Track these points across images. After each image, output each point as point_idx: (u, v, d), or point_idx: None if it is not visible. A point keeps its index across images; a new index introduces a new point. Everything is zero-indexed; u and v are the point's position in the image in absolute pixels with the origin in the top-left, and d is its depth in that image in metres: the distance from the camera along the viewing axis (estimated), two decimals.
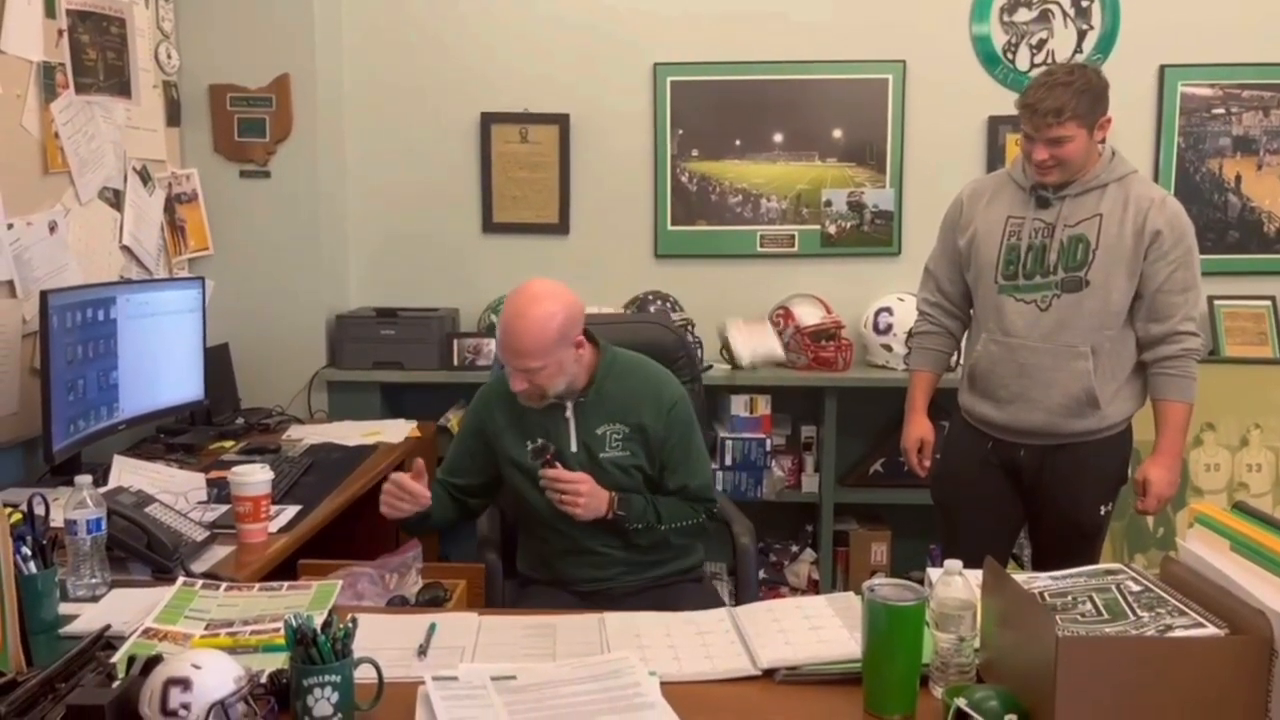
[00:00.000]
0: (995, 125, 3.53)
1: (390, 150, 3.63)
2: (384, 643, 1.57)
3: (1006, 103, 3.50)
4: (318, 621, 1.37)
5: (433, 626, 1.66)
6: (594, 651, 1.58)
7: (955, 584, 1.44)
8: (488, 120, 3.59)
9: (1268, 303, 3.51)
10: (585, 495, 2.09)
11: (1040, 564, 2.56)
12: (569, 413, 2.18)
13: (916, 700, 1.40)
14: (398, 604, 1.97)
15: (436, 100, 3.61)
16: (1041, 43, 3.52)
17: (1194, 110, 3.49)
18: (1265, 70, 3.46)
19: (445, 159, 3.63)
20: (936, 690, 1.43)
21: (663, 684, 1.45)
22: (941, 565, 1.49)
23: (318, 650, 1.33)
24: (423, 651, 1.58)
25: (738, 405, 3.41)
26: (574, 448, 2.17)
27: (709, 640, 1.62)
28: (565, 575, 2.22)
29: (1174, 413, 2.41)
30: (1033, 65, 3.51)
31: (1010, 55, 3.52)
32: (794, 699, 1.47)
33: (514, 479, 2.22)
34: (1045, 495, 2.48)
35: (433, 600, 1.98)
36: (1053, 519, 2.51)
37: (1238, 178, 3.52)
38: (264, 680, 1.37)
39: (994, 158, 3.52)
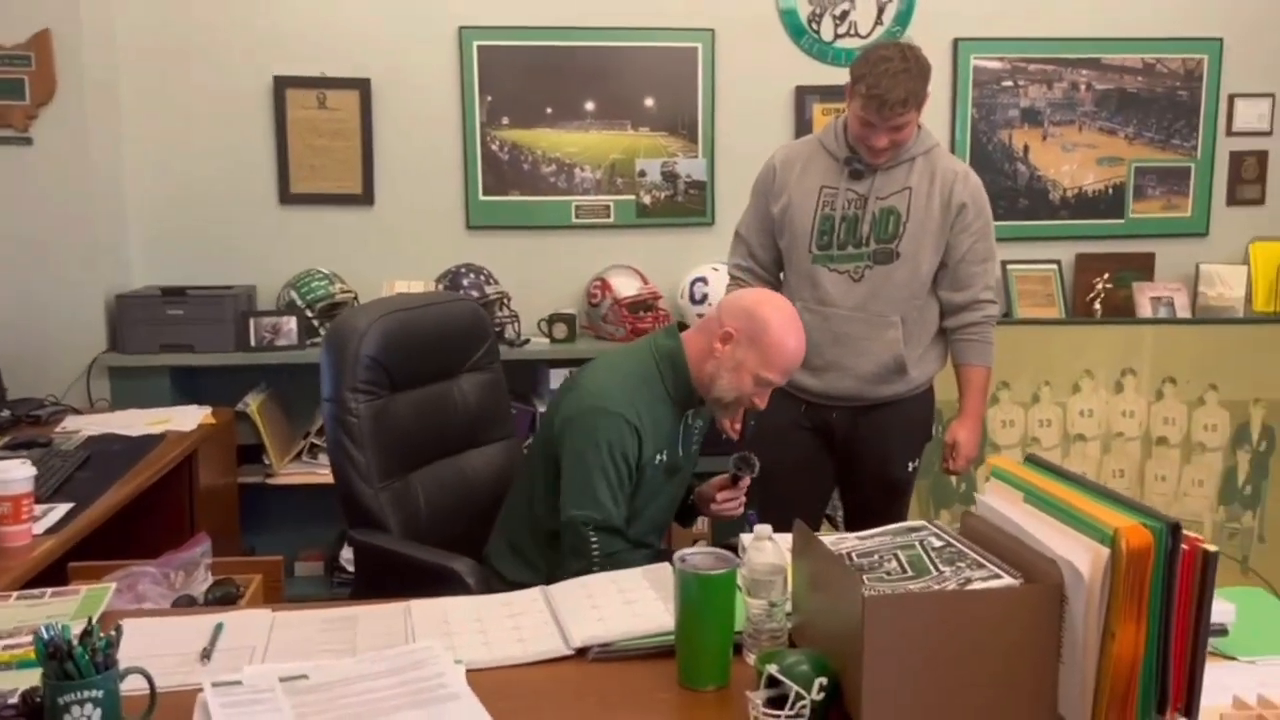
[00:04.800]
0: (802, 95, 3.58)
1: (173, 116, 3.37)
2: (162, 648, 1.44)
3: (813, 73, 3.58)
4: (74, 631, 1.22)
5: (219, 627, 1.53)
6: (398, 642, 1.49)
7: (766, 549, 1.43)
8: (281, 84, 3.38)
9: (1054, 266, 3.72)
10: None
11: (853, 523, 2.62)
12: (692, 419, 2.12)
13: (730, 670, 1.38)
14: (184, 604, 1.83)
15: (224, 62, 3.36)
16: (844, 14, 3.58)
17: (985, 83, 3.65)
18: (1048, 45, 3.64)
19: (236, 126, 3.40)
20: (750, 657, 1.42)
21: (471, 671, 1.38)
22: None
23: (74, 664, 1.19)
24: (206, 655, 1.45)
25: (557, 379, 3.34)
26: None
27: (521, 622, 1.56)
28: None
29: (977, 376, 2.53)
30: (836, 35, 3.57)
31: (815, 26, 3.57)
32: (608, 677, 1.43)
33: (653, 484, 2.05)
34: (856, 455, 2.54)
35: (223, 598, 1.86)
36: (864, 478, 2.58)
37: (1026, 148, 3.70)
38: (14, 701, 1.23)
39: (801, 127, 3.56)
